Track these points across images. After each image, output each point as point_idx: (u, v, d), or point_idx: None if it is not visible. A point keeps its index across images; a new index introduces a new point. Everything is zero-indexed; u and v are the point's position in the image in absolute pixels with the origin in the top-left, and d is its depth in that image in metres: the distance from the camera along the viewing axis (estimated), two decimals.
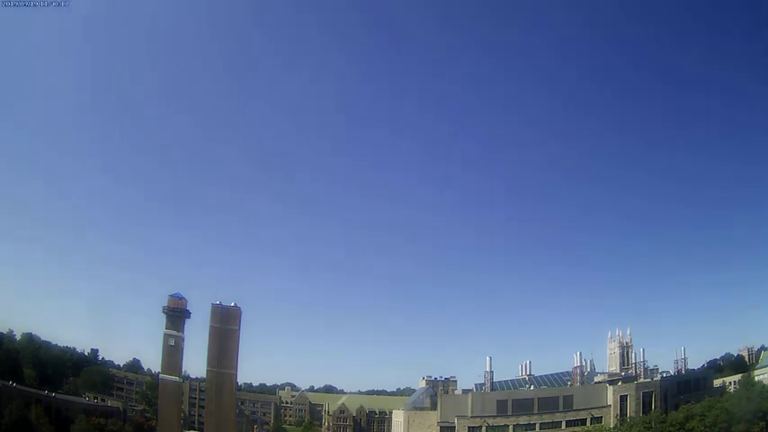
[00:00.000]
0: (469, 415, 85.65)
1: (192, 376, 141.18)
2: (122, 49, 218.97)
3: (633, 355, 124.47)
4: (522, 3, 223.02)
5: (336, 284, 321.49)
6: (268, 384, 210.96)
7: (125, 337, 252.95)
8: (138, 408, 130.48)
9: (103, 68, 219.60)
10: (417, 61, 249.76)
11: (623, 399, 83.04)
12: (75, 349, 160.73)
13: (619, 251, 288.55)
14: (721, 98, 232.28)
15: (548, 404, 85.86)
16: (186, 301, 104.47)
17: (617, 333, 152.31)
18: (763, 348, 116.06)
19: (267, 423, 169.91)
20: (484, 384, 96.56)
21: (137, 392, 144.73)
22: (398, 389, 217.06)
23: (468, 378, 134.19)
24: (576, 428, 76.25)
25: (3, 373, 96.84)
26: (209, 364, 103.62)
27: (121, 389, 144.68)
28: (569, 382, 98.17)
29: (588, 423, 74.87)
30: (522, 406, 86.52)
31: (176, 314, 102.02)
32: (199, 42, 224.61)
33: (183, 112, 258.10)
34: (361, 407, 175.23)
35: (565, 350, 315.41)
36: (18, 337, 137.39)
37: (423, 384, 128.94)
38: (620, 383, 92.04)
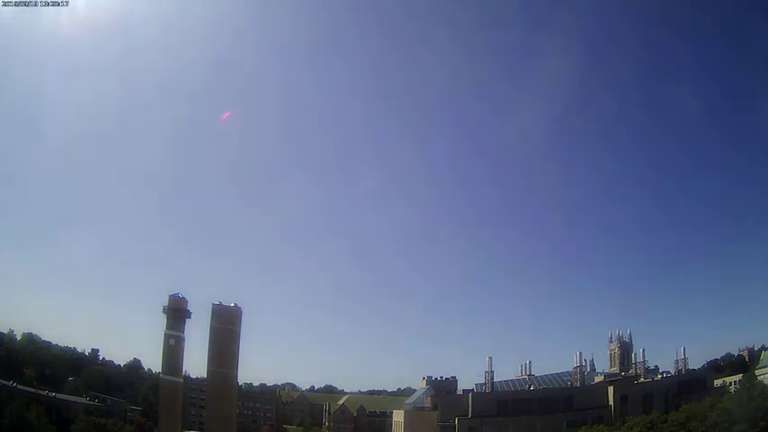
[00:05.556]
0: (470, 415, 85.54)
1: (192, 376, 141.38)
2: (124, 50, 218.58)
3: (633, 355, 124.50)
4: None
5: (337, 285, 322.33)
6: (268, 384, 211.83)
7: (125, 337, 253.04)
8: (138, 408, 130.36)
9: (104, 69, 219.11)
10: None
11: (623, 399, 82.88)
12: (75, 349, 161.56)
13: (619, 251, 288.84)
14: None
15: (548, 404, 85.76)
16: (186, 301, 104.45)
17: (617, 333, 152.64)
18: (763, 348, 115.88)
19: (268, 423, 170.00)
20: (484, 384, 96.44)
21: (137, 392, 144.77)
22: (399, 389, 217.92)
23: (468, 378, 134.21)
24: (577, 429, 76.03)
25: (3, 373, 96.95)
26: (210, 364, 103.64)
27: (121, 389, 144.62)
28: (569, 382, 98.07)
29: (588, 423, 74.69)
30: (522, 406, 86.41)
31: (176, 314, 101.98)
32: (205, 40, 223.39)
33: (185, 111, 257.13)
34: (362, 407, 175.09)
35: (565, 350, 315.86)
36: (18, 337, 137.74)
37: (423, 384, 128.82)
38: (620, 383, 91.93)
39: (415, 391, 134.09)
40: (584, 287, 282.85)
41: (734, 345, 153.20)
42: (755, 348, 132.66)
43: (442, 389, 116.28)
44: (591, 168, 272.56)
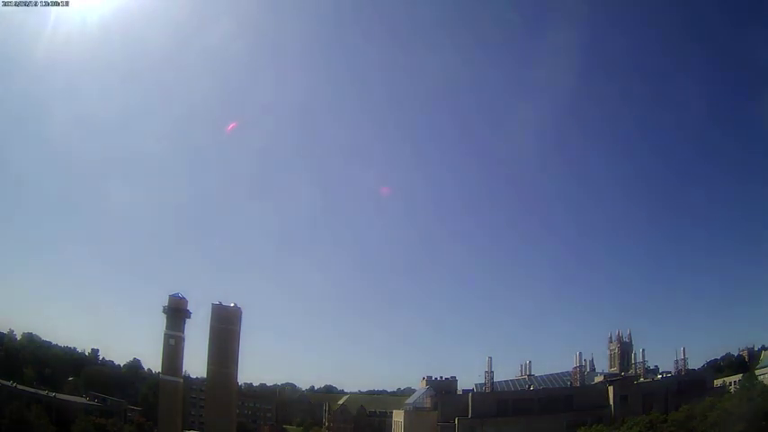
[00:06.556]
0: (470, 415, 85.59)
1: (192, 376, 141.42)
2: (125, 51, 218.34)
3: (633, 355, 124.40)
4: None
5: (337, 285, 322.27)
6: (268, 384, 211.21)
7: (125, 337, 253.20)
8: (138, 408, 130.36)
9: (105, 70, 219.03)
10: None
11: (623, 399, 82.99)
12: (75, 349, 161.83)
13: (618, 251, 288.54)
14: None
15: (548, 404, 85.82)
16: (186, 301, 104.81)
17: (617, 333, 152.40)
18: (763, 348, 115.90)
19: (268, 423, 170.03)
20: (484, 384, 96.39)
21: (137, 392, 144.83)
22: (399, 389, 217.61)
23: (468, 378, 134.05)
24: (577, 429, 76.11)
25: (3, 373, 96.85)
26: (210, 363, 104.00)
27: (122, 389, 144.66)
28: (569, 382, 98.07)
29: (588, 423, 74.75)
30: (522, 406, 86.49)
31: (176, 314, 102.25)
32: (209, 41, 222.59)
33: (187, 111, 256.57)
34: (362, 407, 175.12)
35: (565, 350, 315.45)
36: (18, 337, 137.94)
37: (423, 384, 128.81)
38: (620, 383, 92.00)
39: (415, 391, 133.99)
40: (584, 287, 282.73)
41: (734, 345, 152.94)
42: (755, 348, 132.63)
43: (442, 389, 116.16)
44: (590, 169, 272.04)
